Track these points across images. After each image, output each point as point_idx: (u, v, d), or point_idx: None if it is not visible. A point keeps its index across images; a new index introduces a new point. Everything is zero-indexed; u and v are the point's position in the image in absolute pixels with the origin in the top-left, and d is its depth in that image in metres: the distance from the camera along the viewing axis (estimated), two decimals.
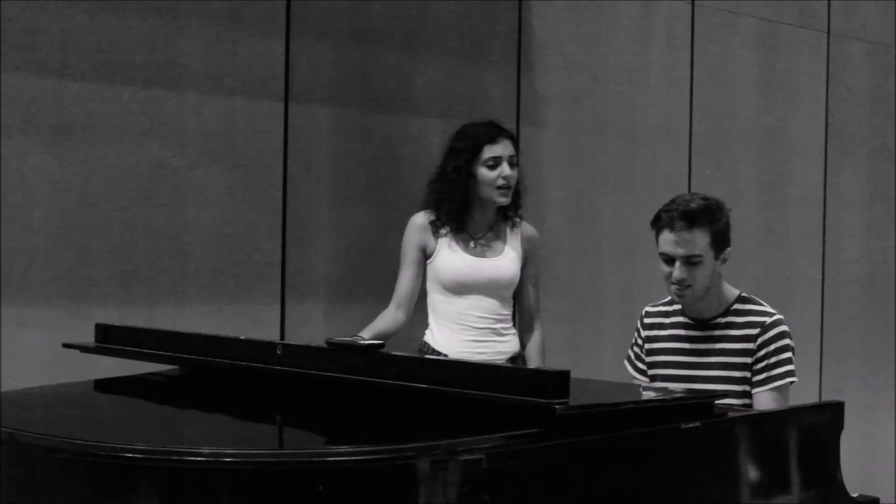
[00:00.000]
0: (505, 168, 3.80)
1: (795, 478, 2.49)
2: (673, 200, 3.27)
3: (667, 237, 3.21)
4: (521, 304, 3.96)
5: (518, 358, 3.89)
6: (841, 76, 5.60)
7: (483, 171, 3.79)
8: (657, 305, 3.44)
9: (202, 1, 3.64)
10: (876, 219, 5.81)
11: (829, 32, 5.54)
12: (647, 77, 4.84)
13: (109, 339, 2.83)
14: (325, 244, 3.91)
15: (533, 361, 3.92)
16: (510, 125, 4.36)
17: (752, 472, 2.39)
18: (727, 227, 3.26)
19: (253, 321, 3.71)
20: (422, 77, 4.13)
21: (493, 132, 3.82)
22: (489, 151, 3.79)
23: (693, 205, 3.21)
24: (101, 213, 3.48)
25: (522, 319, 3.96)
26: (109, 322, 2.90)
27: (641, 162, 4.80)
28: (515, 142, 3.89)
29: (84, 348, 2.86)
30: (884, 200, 5.84)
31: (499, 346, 3.85)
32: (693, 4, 4.97)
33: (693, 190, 4.71)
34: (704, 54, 5.01)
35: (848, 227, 5.66)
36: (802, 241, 5.46)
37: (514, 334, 3.91)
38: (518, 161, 3.88)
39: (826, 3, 5.54)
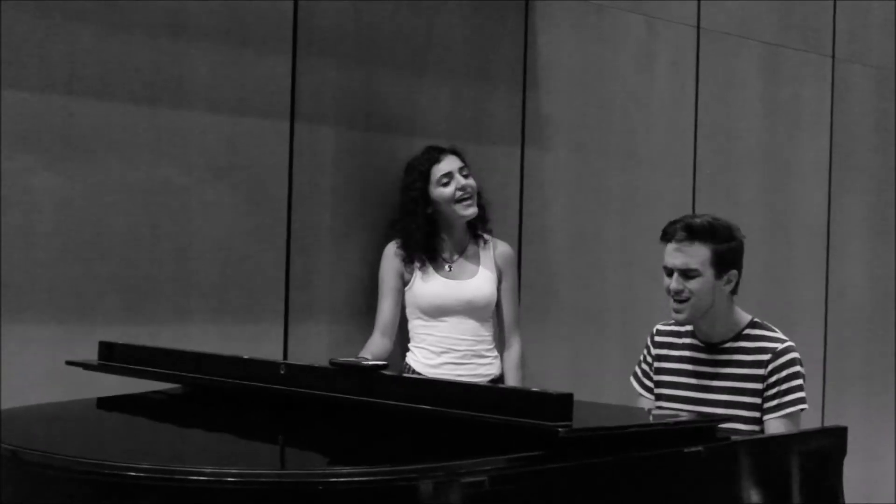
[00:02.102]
0: (459, 179, 3.86)
1: (798, 502, 2.49)
2: (683, 216, 3.28)
3: (668, 248, 3.22)
4: (499, 319, 3.98)
5: (499, 381, 3.89)
6: (845, 100, 5.61)
7: (439, 191, 3.86)
8: (668, 324, 3.41)
9: (209, 20, 3.65)
10: (880, 243, 5.80)
11: (833, 57, 5.55)
12: (652, 100, 4.85)
13: (113, 356, 2.83)
14: (328, 264, 3.91)
15: (510, 377, 3.93)
16: (515, 146, 4.38)
17: (754, 497, 2.39)
18: (733, 251, 3.24)
19: (256, 340, 3.71)
20: (427, 98, 4.14)
21: (435, 153, 3.92)
22: (437, 171, 3.88)
23: (698, 220, 3.22)
24: (105, 231, 3.48)
25: (500, 334, 3.98)
26: (113, 339, 2.90)
27: (645, 184, 4.80)
28: (461, 155, 3.95)
29: (87, 366, 2.85)
30: (888, 225, 5.83)
31: (479, 369, 3.85)
32: (698, 28, 4.98)
33: (698, 212, 4.70)
34: (709, 78, 5.02)
35: (851, 252, 5.66)
36: (806, 266, 5.46)
37: (496, 357, 3.92)
38: (471, 173, 3.92)
39: (831, 27, 5.55)
